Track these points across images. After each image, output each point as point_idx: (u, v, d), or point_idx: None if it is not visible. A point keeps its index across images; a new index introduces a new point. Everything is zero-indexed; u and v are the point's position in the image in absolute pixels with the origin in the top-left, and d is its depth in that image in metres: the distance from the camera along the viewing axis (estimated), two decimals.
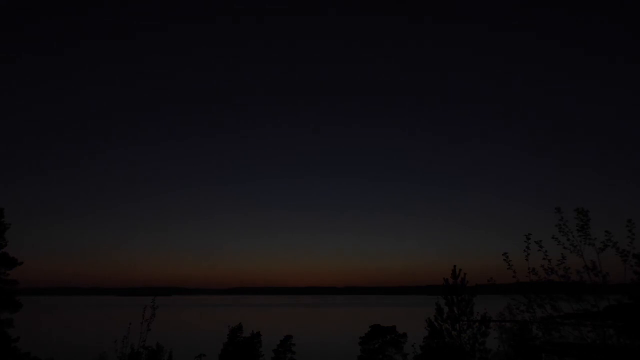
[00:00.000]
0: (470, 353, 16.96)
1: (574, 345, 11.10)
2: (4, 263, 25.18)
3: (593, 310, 10.62)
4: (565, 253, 10.78)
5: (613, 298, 10.83)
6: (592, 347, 10.79)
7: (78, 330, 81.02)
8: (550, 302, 11.11)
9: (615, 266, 10.51)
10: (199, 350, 31.60)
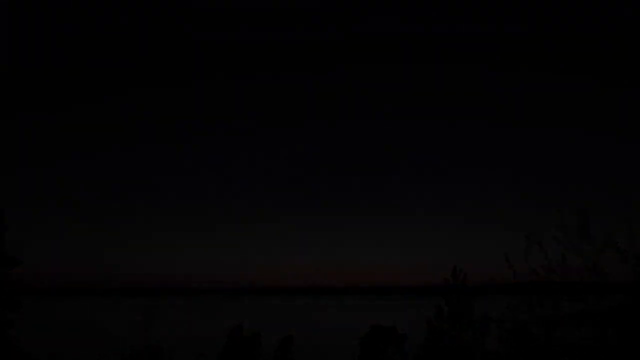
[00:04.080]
0: (470, 353, 16.98)
1: (574, 345, 11.11)
2: (4, 263, 25.20)
3: (593, 311, 10.64)
4: (565, 253, 10.80)
5: (613, 298, 10.85)
6: (592, 347, 10.80)
7: (78, 331, 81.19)
8: (550, 302, 11.13)
9: (615, 266, 10.53)
10: (198, 350, 31.61)
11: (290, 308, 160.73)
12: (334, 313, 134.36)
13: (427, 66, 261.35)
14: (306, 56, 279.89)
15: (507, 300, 12.16)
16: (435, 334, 18.59)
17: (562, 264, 10.83)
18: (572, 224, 10.76)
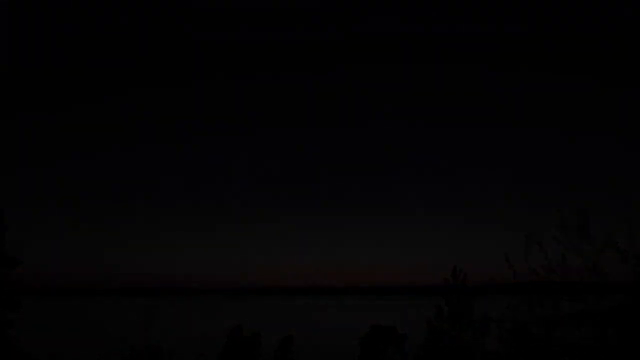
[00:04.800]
0: (470, 353, 16.99)
1: (574, 345, 11.11)
2: (4, 263, 25.18)
3: (593, 311, 10.64)
4: (565, 253, 10.80)
5: (613, 298, 10.85)
6: (592, 347, 10.80)
7: (78, 331, 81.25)
8: (550, 302, 11.13)
9: (615, 266, 10.53)
10: (198, 350, 31.61)
11: (290, 308, 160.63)
12: (334, 313, 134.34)
13: (427, 66, 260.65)
14: (306, 56, 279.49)
15: (507, 300, 12.15)
16: (435, 334, 18.60)
17: (562, 264, 10.83)
18: (572, 224, 10.76)
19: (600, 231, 10.59)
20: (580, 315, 10.80)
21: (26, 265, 26.21)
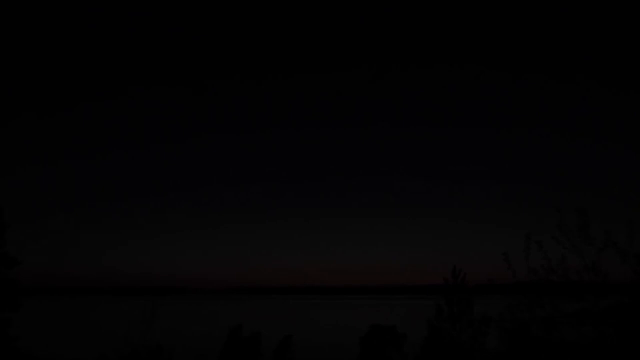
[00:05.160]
0: (469, 353, 16.98)
1: (574, 345, 11.11)
2: (4, 263, 25.18)
3: (593, 310, 10.64)
4: (565, 253, 10.80)
5: (613, 298, 10.84)
6: (592, 347, 10.80)
7: (78, 330, 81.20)
8: (550, 302, 11.12)
9: (615, 266, 10.53)
10: (198, 350, 31.58)
11: (289, 307, 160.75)
12: (334, 312, 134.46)
13: (427, 66, 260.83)
14: (308, 56, 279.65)
15: (507, 300, 12.15)
16: (435, 334, 18.57)
17: (562, 264, 10.82)
18: (572, 224, 10.75)
19: (600, 231, 10.58)
20: (580, 315, 10.79)
21: (26, 265, 26.23)
